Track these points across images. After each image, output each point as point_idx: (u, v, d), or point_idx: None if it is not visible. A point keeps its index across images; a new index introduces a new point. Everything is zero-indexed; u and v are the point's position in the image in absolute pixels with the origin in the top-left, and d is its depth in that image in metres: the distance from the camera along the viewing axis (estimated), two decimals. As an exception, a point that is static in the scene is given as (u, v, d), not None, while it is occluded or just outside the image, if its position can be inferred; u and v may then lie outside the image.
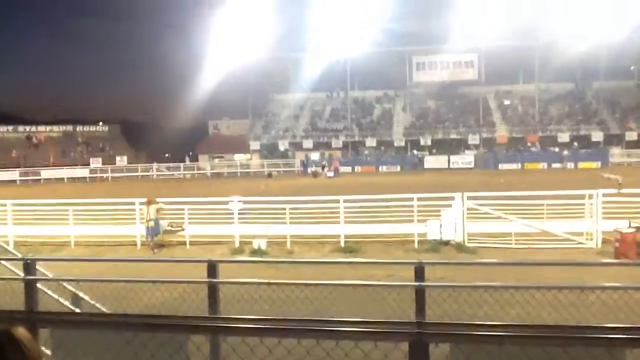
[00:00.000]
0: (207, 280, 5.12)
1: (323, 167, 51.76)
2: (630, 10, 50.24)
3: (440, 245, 14.35)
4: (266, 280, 5.70)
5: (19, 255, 8.25)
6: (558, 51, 53.92)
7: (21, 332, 1.30)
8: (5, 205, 16.97)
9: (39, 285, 6.06)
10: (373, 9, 57.12)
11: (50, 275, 6.60)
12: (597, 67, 60.66)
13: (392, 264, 7.85)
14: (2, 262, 6.59)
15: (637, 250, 12.45)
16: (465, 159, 56.29)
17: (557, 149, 56.01)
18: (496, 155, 56.43)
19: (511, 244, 14.00)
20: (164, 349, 4.18)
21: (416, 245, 14.52)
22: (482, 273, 7.75)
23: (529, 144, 58.68)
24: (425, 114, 65.94)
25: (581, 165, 50.89)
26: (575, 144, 56.36)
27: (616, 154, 53.99)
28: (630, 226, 12.95)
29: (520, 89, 66.47)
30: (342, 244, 14.85)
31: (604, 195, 14.39)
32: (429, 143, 60.32)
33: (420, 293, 5.36)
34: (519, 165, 53.13)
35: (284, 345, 3.56)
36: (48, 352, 4.14)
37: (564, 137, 57.85)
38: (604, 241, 13.80)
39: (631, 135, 56.76)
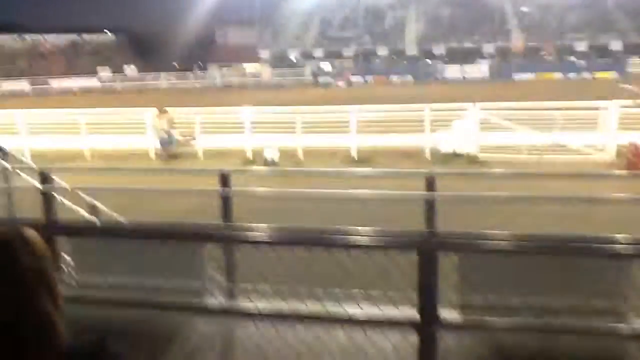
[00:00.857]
0: (220, 189, 5.20)
1: (334, 78, 50.99)
2: None
3: (452, 156, 14.34)
4: (277, 190, 5.78)
5: (35, 167, 8.37)
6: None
7: (31, 233, 1.27)
8: (18, 116, 17.02)
9: (55, 195, 6.19)
10: None
11: (67, 186, 6.72)
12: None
13: (403, 175, 7.89)
14: (19, 172, 6.69)
15: (650, 163, 12.39)
16: (479, 69, 55.09)
17: (573, 58, 54.57)
18: (511, 65, 55.14)
19: (523, 155, 13.96)
20: (180, 256, 4.31)
21: (429, 157, 14.53)
22: (492, 185, 7.79)
23: (544, 53, 57.14)
24: (439, 22, 63.94)
25: (598, 75, 49.74)
26: (593, 53, 54.81)
27: (635, 63, 52.52)
28: (644, 138, 12.81)
29: (538, -6, 63.92)
30: (354, 156, 14.89)
31: (620, 106, 14.13)
32: (443, 52, 58.86)
33: (430, 203, 5.43)
34: (534, 75, 52.02)
35: (296, 254, 3.65)
36: (67, 257, 4.28)
37: (581, 46, 56.15)
38: (618, 153, 13.70)
39: (651, 44, 55.02)
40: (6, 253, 1.21)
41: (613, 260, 3.44)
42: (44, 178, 5.89)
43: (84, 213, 6.35)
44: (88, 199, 6.43)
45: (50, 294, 1.23)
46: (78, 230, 4.49)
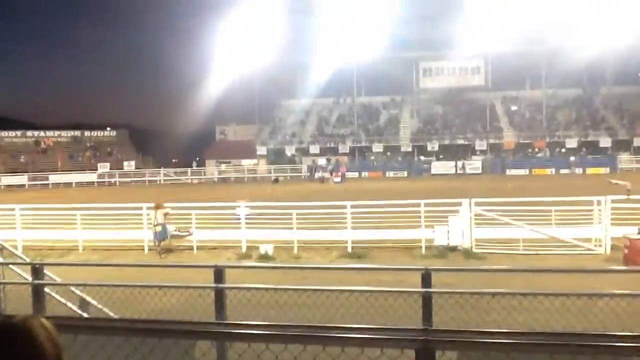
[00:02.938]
0: (213, 285, 5.13)
1: (330, 173, 51.76)
2: (638, 16, 50.09)
3: (448, 251, 14.30)
4: (273, 286, 5.70)
5: (28, 260, 8.29)
6: (565, 57, 53.80)
7: (48, 322, 1.38)
8: (14, 209, 17.07)
9: (47, 289, 6.10)
10: (380, 15, 57.25)
11: (58, 280, 6.64)
12: (605, 73, 60.60)
13: (399, 270, 7.83)
14: (11, 266, 6.62)
15: (646, 257, 12.35)
16: (472, 165, 56.17)
17: (565, 155, 55.85)
18: (504, 160, 56.31)
19: (519, 250, 13.94)
20: (171, 354, 4.18)
21: (423, 251, 14.48)
22: (489, 279, 7.72)
23: (536, 150, 58.55)
24: (432, 120, 65.90)
25: (589, 171, 50.73)
26: (584, 149, 56.20)
27: (624, 159, 53.72)
28: (639, 232, 12.86)
29: (527, 94, 66.34)
30: (350, 250, 14.84)
31: (613, 201, 14.30)
32: (436, 148, 60.25)
33: (427, 299, 5.35)
34: (527, 171, 52.99)
35: (290, 351, 3.55)
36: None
37: (571, 143, 57.67)
38: (613, 247, 13.71)
39: (639, 141, 56.49)
40: (31, 339, 1.32)
41: (617, 358, 3.35)
42: (36, 272, 5.82)
43: (74, 308, 6.23)
44: (79, 293, 6.32)
45: None
46: (66, 326, 4.38)
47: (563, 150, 57.54)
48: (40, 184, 54.33)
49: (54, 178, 56.19)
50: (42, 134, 69.63)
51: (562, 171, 52.18)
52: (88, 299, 6.54)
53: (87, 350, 4.37)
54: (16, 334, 1.33)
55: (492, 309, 5.65)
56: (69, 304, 6.43)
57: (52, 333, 1.38)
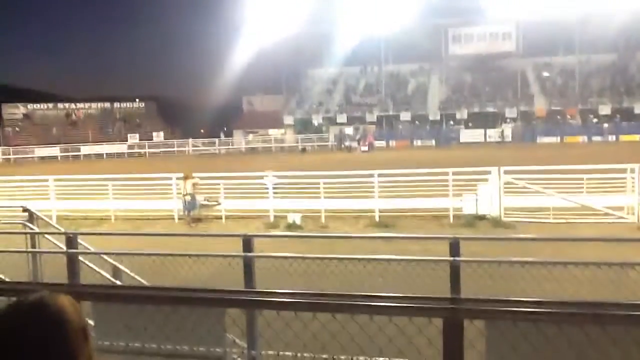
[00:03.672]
0: (242, 254, 5.19)
1: (358, 142, 51.51)
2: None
3: (476, 220, 14.21)
4: (301, 255, 5.75)
5: (62, 230, 8.50)
6: (599, 21, 52.10)
7: (63, 300, 1.41)
8: (47, 180, 17.45)
9: (80, 258, 6.25)
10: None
11: (92, 249, 6.79)
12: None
13: (427, 239, 7.82)
14: (46, 235, 6.80)
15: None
16: (502, 133, 55.27)
17: (598, 122, 54.54)
18: (534, 128, 55.26)
19: (549, 218, 13.77)
20: (201, 322, 4.27)
21: (452, 220, 14.42)
22: (518, 248, 7.66)
23: (568, 117, 57.26)
24: (461, 88, 64.83)
25: (623, 138, 49.49)
26: (617, 116, 54.77)
27: (660, 126, 52.27)
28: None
29: (559, 61, 64.57)
30: (377, 219, 14.85)
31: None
32: (465, 117, 59.37)
33: (455, 268, 5.33)
34: (558, 139, 51.96)
35: (319, 320, 3.59)
36: (91, 322, 4.26)
37: (605, 110, 56.21)
38: (646, 216, 13.45)
39: (676, 107, 54.84)
40: (62, 314, 1.37)
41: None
42: (70, 241, 5.96)
43: (107, 276, 6.38)
44: (112, 262, 6.47)
45: (90, 350, 1.43)
46: (100, 294, 4.49)
47: (596, 117, 56.17)
48: (72, 155, 55.34)
49: (85, 149, 57.15)
50: (72, 106, 70.66)
51: (595, 139, 51.04)
52: (121, 267, 6.69)
53: (121, 317, 4.49)
54: (46, 308, 1.37)
55: (521, 278, 5.62)
56: (103, 272, 6.58)
57: (77, 308, 1.43)
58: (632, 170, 13.95)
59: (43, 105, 69.29)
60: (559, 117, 57.38)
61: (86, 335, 1.42)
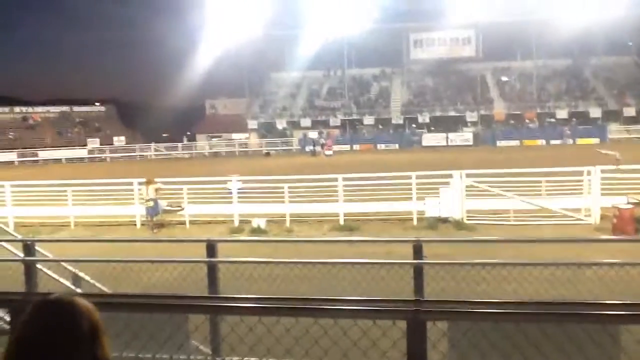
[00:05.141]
0: (206, 259, 5.15)
1: (322, 146, 51.64)
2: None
3: (439, 222, 14.39)
4: (265, 259, 5.73)
5: (19, 237, 8.28)
6: (556, 27, 53.57)
7: (83, 302, 1.61)
8: (4, 186, 16.96)
9: (39, 266, 6.10)
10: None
11: (50, 256, 6.63)
12: (595, 43, 60.40)
13: (391, 242, 7.88)
14: (2, 243, 6.61)
15: (634, 226, 12.51)
16: (463, 137, 56.22)
17: (555, 126, 56.00)
18: (494, 132, 56.39)
19: (510, 220, 14.05)
20: (164, 329, 4.21)
21: (415, 223, 14.57)
22: (480, 250, 7.79)
23: (527, 121, 58.64)
24: (423, 92, 65.70)
25: (580, 141, 50.90)
26: (574, 120, 56.33)
27: (614, 130, 53.93)
28: (628, 202, 12.99)
29: (518, 65, 66.13)
30: (342, 222, 14.90)
31: (602, 171, 14.39)
32: (427, 120, 60.20)
33: (418, 270, 5.40)
34: (518, 142, 53.12)
35: (283, 324, 3.59)
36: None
37: (562, 114, 57.81)
38: (602, 217, 13.84)
39: (629, 111, 56.68)
40: (72, 314, 1.55)
41: (604, 326, 3.41)
42: (27, 249, 5.82)
43: (67, 284, 6.24)
44: (71, 269, 6.33)
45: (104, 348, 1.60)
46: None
47: (553, 121, 57.66)
48: (30, 161, 53.93)
49: (43, 154, 55.77)
50: (30, 109, 68.90)
51: (553, 142, 52.34)
52: (81, 274, 6.55)
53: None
54: (60, 308, 1.57)
55: (482, 280, 5.72)
56: (62, 280, 6.43)
57: (91, 312, 1.61)
58: (589, 173, 14.35)
59: (-1, 109, 67.40)
60: (517, 120, 58.67)
61: (99, 334, 1.59)
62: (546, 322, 3.40)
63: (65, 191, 16.69)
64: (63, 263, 6.76)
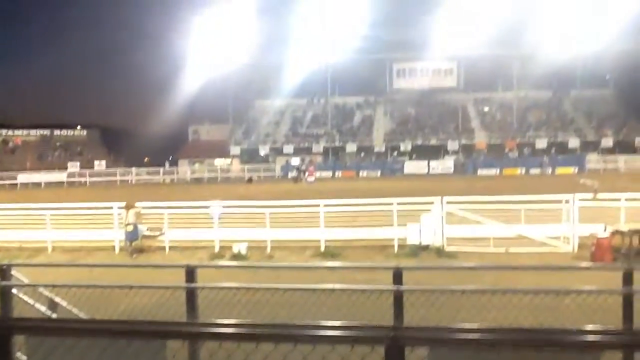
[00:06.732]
0: (185, 285, 5.09)
1: (304, 172, 51.74)
2: (606, 21, 51.27)
3: (420, 249, 14.42)
4: (245, 285, 5.68)
5: (-6, 261, 8.12)
6: (536, 60, 54.80)
7: None
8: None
9: (14, 291, 5.98)
10: (354, 16, 57.45)
11: (26, 281, 6.52)
12: (574, 75, 61.92)
13: (371, 269, 7.87)
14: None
15: (612, 254, 12.66)
16: (444, 165, 56.77)
17: (535, 155, 56.83)
18: (475, 161, 57.03)
19: (489, 248, 14.13)
20: (141, 356, 4.14)
21: (396, 249, 14.58)
22: (460, 277, 7.80)
23: (507, 150, 59.44)
24: (405, 121, 66.42)
25: (559, 170, 51.65)
26: (553, 150, 57.24)
27: (592, 160, 54.86)
28: (605, 230, 13.15)
29: (498, 96, 67.37)
30: (323, 249, 14.86)
31: (581, 200, 14.59)
32: (409, 149, 60.76)
33: (398, 297, 5.39)
34: (498, 171, 53.74)
35: (262, 350, 3.56)
36: (24, 358, 4.07)
37: (541, 144, 58.76)
38: (581, 245, 13.99)
39: (607, 142, 57.82)
40: None
41: (584, 353, 3.42)
42: (2, 273, 5.71)
43: (42, 309, 6.12)
44: (47, 294, 6.22)
45: None
46: (35, 328, 4.31)
47: (533, 150, 58.54)
48: (8, 184, 53.15)
49: (22, 178, 55.04)
50: (10, 132, 68.24)
51: (532, 171, 53.04)
52: (57, 299, 6.43)
53: (56, 352, 4.31)
54: None
55: (462, 307, 5.72)
56: (38, 306, 6.31)
57: None
58: (567, 201, 14.53)
59: (-22, 132, 66.71)
60: (498, 150, 59.45)
61: None
62: (525, 350, 3.41)
63: (43, 215, 16.47)
64: (39, 288, 6.64)
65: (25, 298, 6.26)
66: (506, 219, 14.72)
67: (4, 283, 5.75)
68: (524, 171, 53.56)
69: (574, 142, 58.43)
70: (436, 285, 6.11)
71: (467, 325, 3.49)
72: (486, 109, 66.77)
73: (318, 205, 15.49)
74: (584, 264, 12.02)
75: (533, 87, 63.38)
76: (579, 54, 55.42)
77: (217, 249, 15.25)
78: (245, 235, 15.33)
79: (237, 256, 14.37)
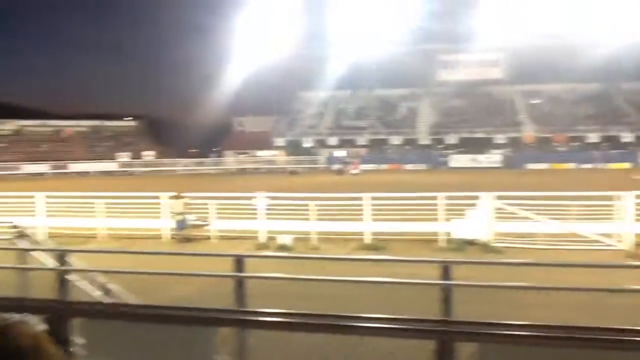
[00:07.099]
0: (234, 274, 5.18)
1: (348, 165, 51.62)
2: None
3: (466, 244, 14.24)
4: (292, 276, 5.74)
5: (52, 247, 8.44)
6: (586, 51, 53.10)
7: (24, 328, 1.41)
8: (34, 197, 17.31)
9: (70, 275, 6.20)
10: (399, 7, 56.89)
11: (82, 267, 6.74)
12: (626, 67, 59.60)
13: (418, 262, 7.82)
14: (36, 252, 6.74)
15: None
16: (491, 158, 55.72)
17: (585, 149, 55.18)
18: (523, 154, 55.77)
19: (538, 244, 13.82)
20: (192, 340, 4.25)
21: (441, 244, 14.44)
22: (508, 273, 7.67)
23: (556, 144, 57.88)
24: (450, 113, 65.44)
25: (611, 166, 50.02)
26: (605, 144, 55.43)
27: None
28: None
29: (546, 89, 65.50)
30: (367, 242, 14.84)
31: (637, 196, 14.07)
32: (455, 142, 59.88)
33: (446, 292, 5.35)
34: (547, 165, 52.42)
35: (310, 339, 3.60)
36: (81, 341, 4.23)
37: (592, 138, 56.96)
38: (636, 244, 13.53)
39: (663, 136, 55.63)
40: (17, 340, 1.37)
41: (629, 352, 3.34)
42: (60, 259, 5.93)
43: (98, 294, 6.33)
44: (102, 280, 6.42)
45: None
46: (91, 312, 4.47)
47: (583, 144, 56.82)
48: (60, 172, 55.00)
49: (73, 167, 56.86)
50: (62, 123, 70.48)
51: (583, 166, 51.52)
52: (111, 285, 6.64)
53: (110, 336, 4.46)
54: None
55: (510, 303, 5.63)
56: (93, 290, 6.53)
57: (33, 338, 1.41)
58: (622, 198, 14.05)
59: (32, 122, 69.03)
60: (547, 143, 57.97)
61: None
62: (573, 347, 3.35)
63: (94, 203, 16.96)
64: (94, 273, 6.87)
65: (81, 283, 6.49)
66: (556, 215, 14.35)
67: (62, 267, 5.96)
68: (574, 166, 52.08)
69: (627, 137, 56.41)
70: (484, 281, 6.04)
71: (516, 322, 3.45)
72: (534, 101, 65.09)
73: (363, 198, 15.46)
74: (638, 262, 11.66)
75: (582, 80, 61.38)
76: (630, 45, 53.30)
77: (263, 240, 15.41)
78: (290, 227, 15.43)
79: (282, 247, 14.50)
